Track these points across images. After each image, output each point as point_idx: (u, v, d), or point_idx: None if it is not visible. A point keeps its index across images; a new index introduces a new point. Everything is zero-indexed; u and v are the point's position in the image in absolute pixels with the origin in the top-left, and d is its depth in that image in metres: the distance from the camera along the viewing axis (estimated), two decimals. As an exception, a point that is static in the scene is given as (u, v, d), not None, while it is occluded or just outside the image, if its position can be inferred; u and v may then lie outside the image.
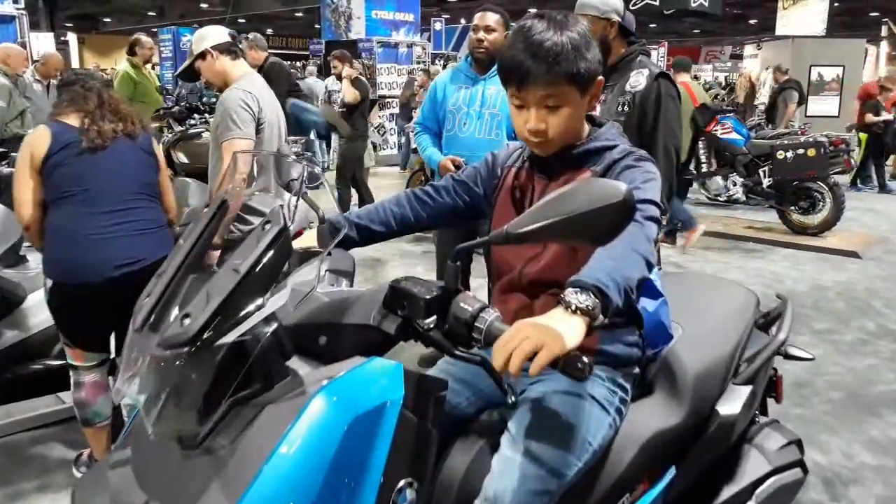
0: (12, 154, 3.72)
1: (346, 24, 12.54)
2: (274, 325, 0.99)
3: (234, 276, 0.95)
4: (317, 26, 17.27)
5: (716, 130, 6.90)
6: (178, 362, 0.92)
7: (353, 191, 6.53)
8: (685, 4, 10.82)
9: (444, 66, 10.71)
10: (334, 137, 7.39)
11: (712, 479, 1.63)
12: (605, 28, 2.60)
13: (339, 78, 6.54)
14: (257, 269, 0.97)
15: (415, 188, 1.56)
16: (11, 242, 2.91)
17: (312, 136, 8.37)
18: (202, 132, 5.34)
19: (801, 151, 6.14)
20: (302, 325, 1.11)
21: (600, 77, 1.32)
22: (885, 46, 18.00)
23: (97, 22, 26.60)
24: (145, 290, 1.05)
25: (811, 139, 6.26)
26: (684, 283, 1.95)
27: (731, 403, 1.57)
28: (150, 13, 24.19)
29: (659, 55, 16.57)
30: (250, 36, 6.28)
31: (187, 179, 4.42)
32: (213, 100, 5.93)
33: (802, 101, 9.83)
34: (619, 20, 2.64)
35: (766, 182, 6.62)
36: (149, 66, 6.94)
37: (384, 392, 0.99)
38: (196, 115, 6.31)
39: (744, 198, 6.93)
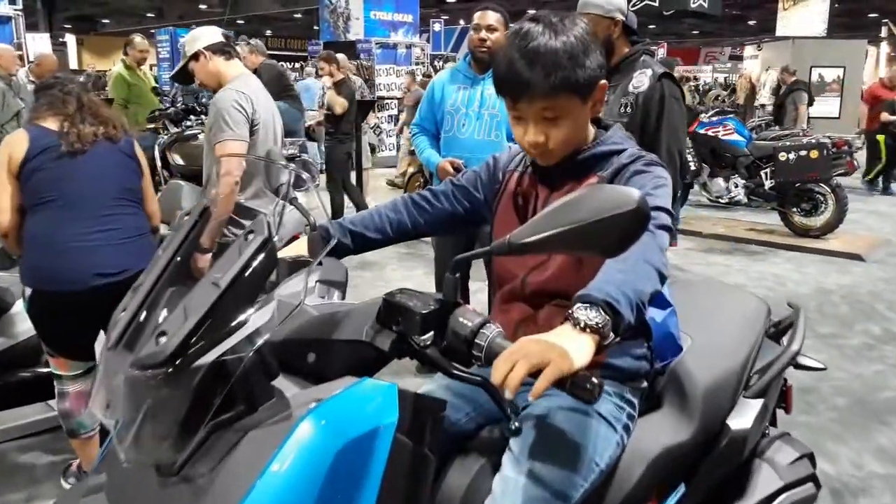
0: None
1: (344, 25, 12.48)
2: (258, 343, 0.91)
3: (214, 290, 0.88)
4: (315, 27, 17.23)
5: (717, 132, 6.85)
6: (152, 384, 0.85)
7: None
8: (684, 5, 10.80)
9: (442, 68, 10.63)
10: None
11: (722, 496, 1.56)
12: (609, 27, 2.55)
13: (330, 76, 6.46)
14: (239, 282, 0.90)
15: (412, 193, 1.50)
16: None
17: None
18: (198, 134, 5.27)
19: (803, 153, 6.08)
20: (289, 340, 1.04)
21: (603, 81, 1.24)
22: (885, 47, 17.98)
23: (95, 23, 26.57)
24: (121, 304, 0.98)
25: (814, 141, 6.20)
26: (692, 291, 1.88)
27: (743, 418, 1.51)
28: (149, 14, 24.14)
29: (657, 56, 16.53)
30: (252, 41, 6.24)
31: (181, 182, 4.36)
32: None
33: (811, 102, 9.75)
34: (623, 19, 2.58)
35: (768, 184, 6.56)
36: (146, 67, 6.86)
37: (377, 415, 0.92)
38: (192, 117, 6.23)
39: (745, 200, 6.87)
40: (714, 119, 7.13)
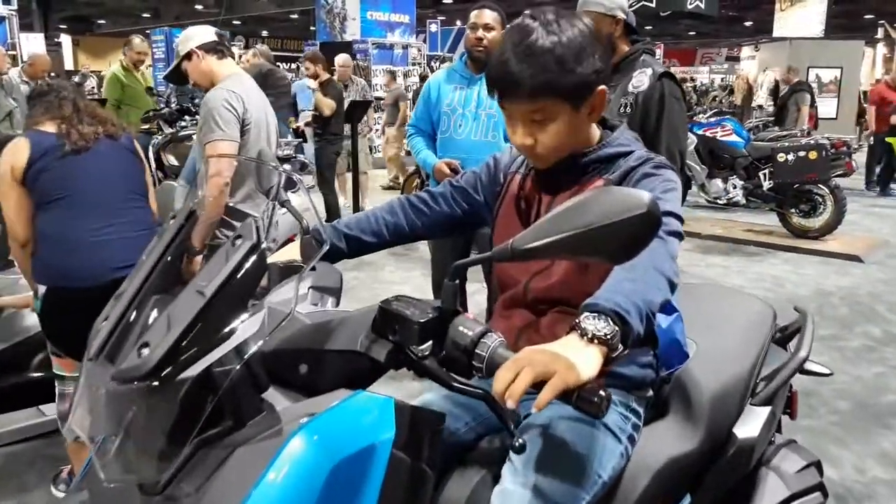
0: None
1: (340, 26, 12.45)
2: (246, 354, 0.86)
3: (200, 298, 0.83)
4: (312, 28, 17.18)
5: (715, 132, 6.82)
6: (135, 398, 0.81)
7: (345, 194, 6.43)
8: (681, 6, 10.80)
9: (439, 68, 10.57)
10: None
11: None
12: (611, 26, 2.50)
13: (314, 77, 6.40)
14: (226, 290, 0.85)
15: (409, 195, 1.45)
16: None
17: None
18: (192, 134, 5.23)
19: (801, 154, 6.05)
20: (280, 351, 0.99)
21: (601, 87, 1.19)
22: (881, 48, 18.01)
23: (91, 24, 26.48)
24: (102, 313, 0.93)
25: (812, 142, 6.18)
26: (696, 295, 1.84)
27: (750, 426, 1.47)
28: (145, 15, 24.06)
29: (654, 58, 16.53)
30: (258, 47, 6.19)
31: (173, 183, 4.31)
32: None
33: (813, 102, 9.72)
34: (625, 18, 2.54)
35: (766, 185, 6.54)
36: (144, 68, 6.83)
37: (373, 430, 0.88)
38: (186, 117, 6.19)
39: (744, 201, 6.85)
40: (712, 120, 7.11)
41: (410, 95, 10.30)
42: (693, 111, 7.58)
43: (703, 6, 10.79)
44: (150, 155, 5.23)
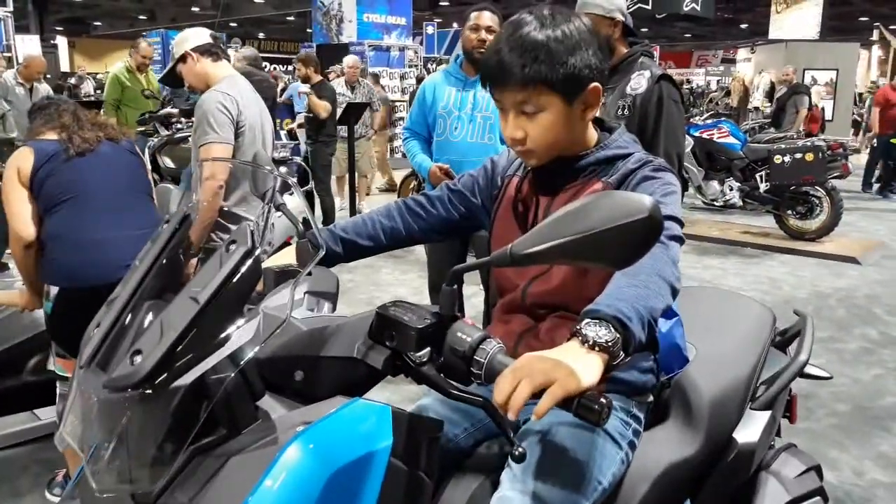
0: None
1: (337, 28, 12.45)
2: (241, 362, 0.85)
3: (193, 305, 0.82)
4: (308, 30, 17.17)
5: (712, 134, 6.83)
6: (127, 406, 0.79)
7: (343, 196, 6.41)
8: (677, 8, 10.83)
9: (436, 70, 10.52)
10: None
11: None
12: (609, 28, 2.50)
13: (304, 81, 6.35)
14: (220, 296, 0.83)
15: (406, 198, 1.44)
16: None
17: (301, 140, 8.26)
18: (189, 136, 5.21)
19: (798, 156, 6.05)
20: (276, 358, 0.97)
21: (594, 84, 1.17)
22: (876, 51, 18.07)
23: (87, 25, 26.42)
24: (95, 319, 0.91)
25: (809, 143, 6.18)
26: (695, 299, 1.83)
27: (750, 431, 1.46)
28: (141, 17, 24.02)
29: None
30: (242, 50, 6.16)
31: (169, 186, 4.29)
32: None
33: (810, 106, 9.73)
34: (623, 20, 2.53)
35: (763, 187, 6.54)
36: (149, 70, 6.82)
37: (370, 439, 0.86)
38: (183, 119, 6.15)
39: (740, 202, 6.85)
40: (709, 122, 7.11)
41: (408, 98, 10.27)
42: (689, 113, 7.58)
43: (699, 8, 10.82)
44: (147, 157, 5.20)
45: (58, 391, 2.36)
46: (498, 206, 1.34)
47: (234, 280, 0.85)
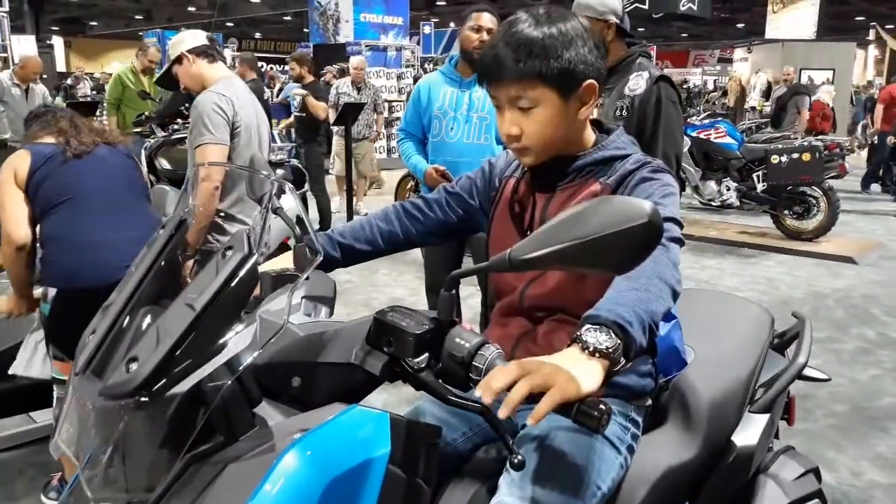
0: None
1: (334, 28, 12.44)
2: (238, 368, 0.84)
3: (189, 312, 0.81)
4: (305, 30, 17.14)
5: (709, 134, 6.83)
6: (123, 414, 0.78)
7: (342, 196, 6.39)
8: (674, 7, 10.82)
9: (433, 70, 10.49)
10: (335, 140, 7.22)
11: None
12: (603, 30, 2.49)
13: (297, 80, 6.35)
14: (216, 303, 0.83)
15: (403, 201, 1.44)
16: None
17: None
18: (185, 138, 5.19)
19: (795, 156, 6.06)
20: (273, 364, 0.96)
21: (590, 81, 1.17)
22: (872, 50, 18.11)
23: (83, 25, 26.36)
24: (90, 326, 0.91)
25: (806, 143, 6.19)
26: (693, 301, 1.82)
27: (748, 433, 1.45)
28: (138, 17, 23.97)
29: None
30: (242, 55, 6.16)
31: (165, 188, 4.27)
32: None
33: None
34: (618, 22, 2.53)
35: (760, 187, 6.55)
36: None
37: (368, 446, 0.85)
38: (179, 121, 6.14)
39: (737, 203, 6.86)
40: (706, 122, 7.11)
41: (405, 97, 10.25)
42: (687, 113, 7.59)
43: (695, 8, 10.81)
44: (143, 158, 5.18)
45: (55, 395, 2.35)
46: (495, 208, 1.34)
47: (231, 287, 0.85)
